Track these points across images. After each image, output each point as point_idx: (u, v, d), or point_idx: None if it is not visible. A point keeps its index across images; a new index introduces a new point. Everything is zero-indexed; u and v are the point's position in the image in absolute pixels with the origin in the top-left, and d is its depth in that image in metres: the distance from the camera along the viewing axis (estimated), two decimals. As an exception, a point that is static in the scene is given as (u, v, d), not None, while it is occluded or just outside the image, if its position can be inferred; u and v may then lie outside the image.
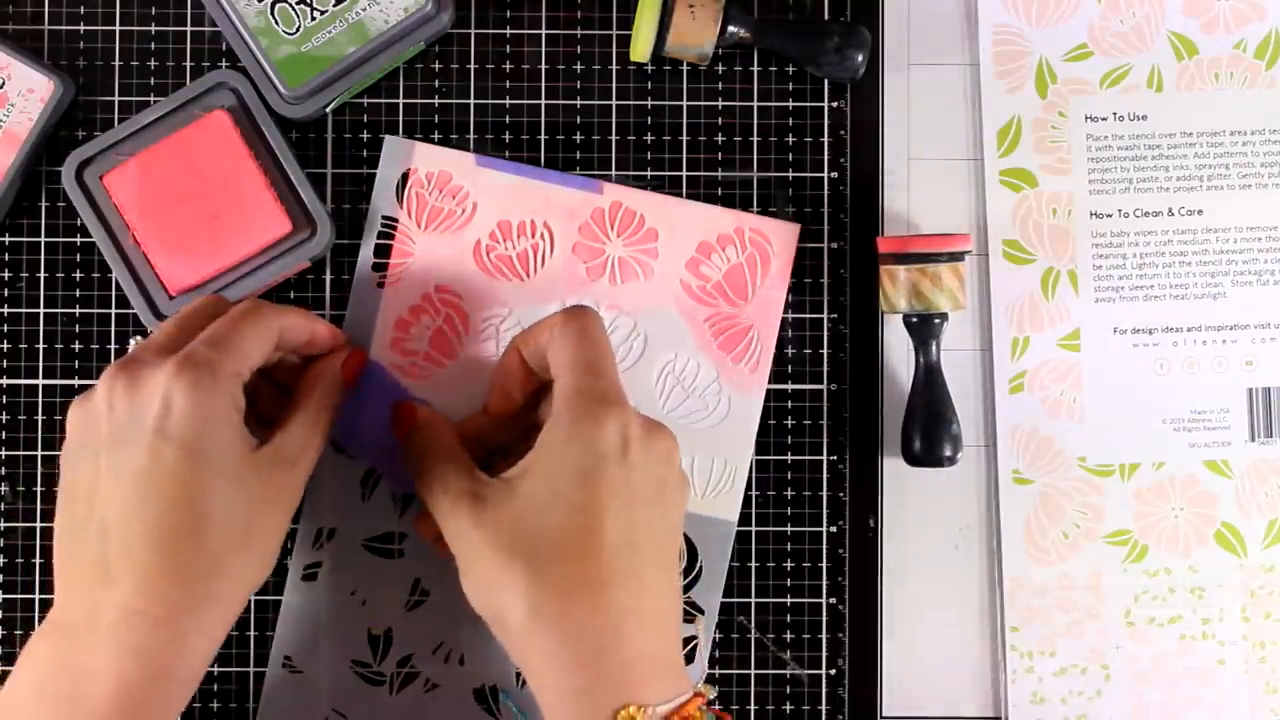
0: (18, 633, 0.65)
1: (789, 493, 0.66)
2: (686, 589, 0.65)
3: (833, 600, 0.66)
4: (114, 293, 0.65)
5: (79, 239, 0.65)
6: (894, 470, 0.66)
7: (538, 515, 0.53)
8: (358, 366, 0.62)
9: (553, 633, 0.52)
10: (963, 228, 0.66)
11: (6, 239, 0.65)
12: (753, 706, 0.66)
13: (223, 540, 0.53)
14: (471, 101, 0.66)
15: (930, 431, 0.63)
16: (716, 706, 0.56)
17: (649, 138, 0.66)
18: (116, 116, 0.65)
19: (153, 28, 0.66)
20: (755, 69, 0.67)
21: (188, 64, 0.66)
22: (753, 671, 0.66)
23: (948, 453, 0.63)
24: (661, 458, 0.55)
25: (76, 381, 0.65)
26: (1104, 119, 0.66)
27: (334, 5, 0.63)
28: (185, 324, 0.57)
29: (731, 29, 0.64)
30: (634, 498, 0.53)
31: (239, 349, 0.55)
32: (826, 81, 0.67)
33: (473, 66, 0.66)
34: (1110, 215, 0.66)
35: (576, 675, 0.52)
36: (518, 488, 0.54)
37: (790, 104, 0.67)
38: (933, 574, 0.66)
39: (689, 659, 0.65)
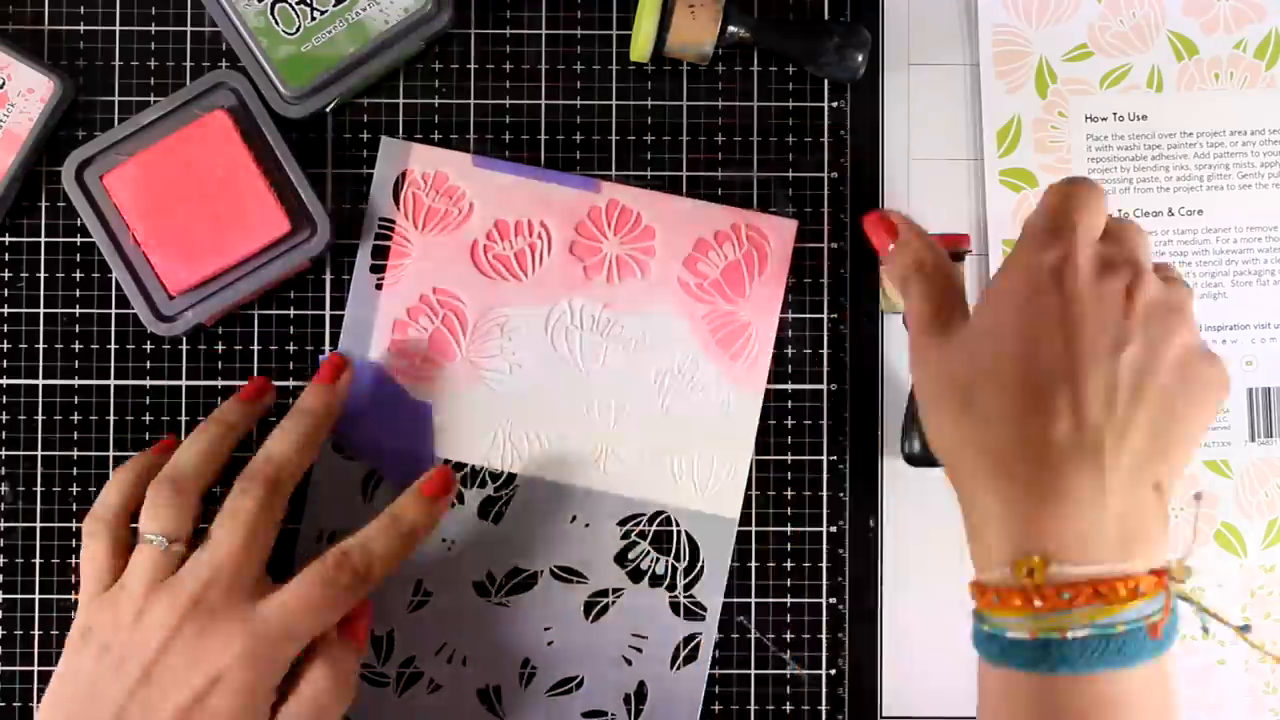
0: (17, 633, 0.65)
1: (789, 493, 0.66)
2: (687, 588, 0.65)
3: (833, 600, 0.66)
4: (114, 293, 0.65)
5: (79, 239, 0.65)
6: (894, 470, 0.66)
7: (980, 345, 0.51)
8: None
9: (992, 455, 0.49)
10: (963, 228, 0.66)
11: (6, 239, 0.65)
12: (753, 706, 0.66)
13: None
14: (471, 101, 0.66)
15: None
16: (1170, 592, 0.48)
17: (649, 137, 0.66)
18: (116, 116, 0.65)
19: (153, 28, 0.66)
20: (755, 69, 0.67)
21: (188, 64, 0.66)
22: (753, 671, 0.66)
23: None
24: (1112, 295, 0.49)
25: (76, 381, 0.65)
26: (1104, 119, 0.66)
27: (334, 5, 0.63)
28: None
29: (731, 29, 0.64)
30: (1072, 320, 0.49)
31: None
32: (826, 81, 0.66)
33: (472, 66, 0.66)
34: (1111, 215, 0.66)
35: (1001, 497, 0.48)
36: (979, 312, 0.52)
37: (790, 104, 0.67)
38: (933, 574, 0.66)
39: (692, 656, 0.65)
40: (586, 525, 0.66)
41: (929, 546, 0.66)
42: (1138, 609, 0.46)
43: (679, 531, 0.66)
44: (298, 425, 0.61)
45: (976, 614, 0.50)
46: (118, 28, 0.66)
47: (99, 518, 0.59)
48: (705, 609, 0.66)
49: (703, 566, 0.66)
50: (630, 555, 0.66)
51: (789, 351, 0.66)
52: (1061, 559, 0.47)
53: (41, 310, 0.65)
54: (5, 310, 0.65)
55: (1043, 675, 0.47)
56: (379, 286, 0.65)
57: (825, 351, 0.66)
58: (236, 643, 0.55)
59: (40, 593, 0.65)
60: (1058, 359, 0.49)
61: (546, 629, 0.65)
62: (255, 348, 0.65)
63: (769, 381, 0.66)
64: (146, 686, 0.55)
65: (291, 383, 0.65)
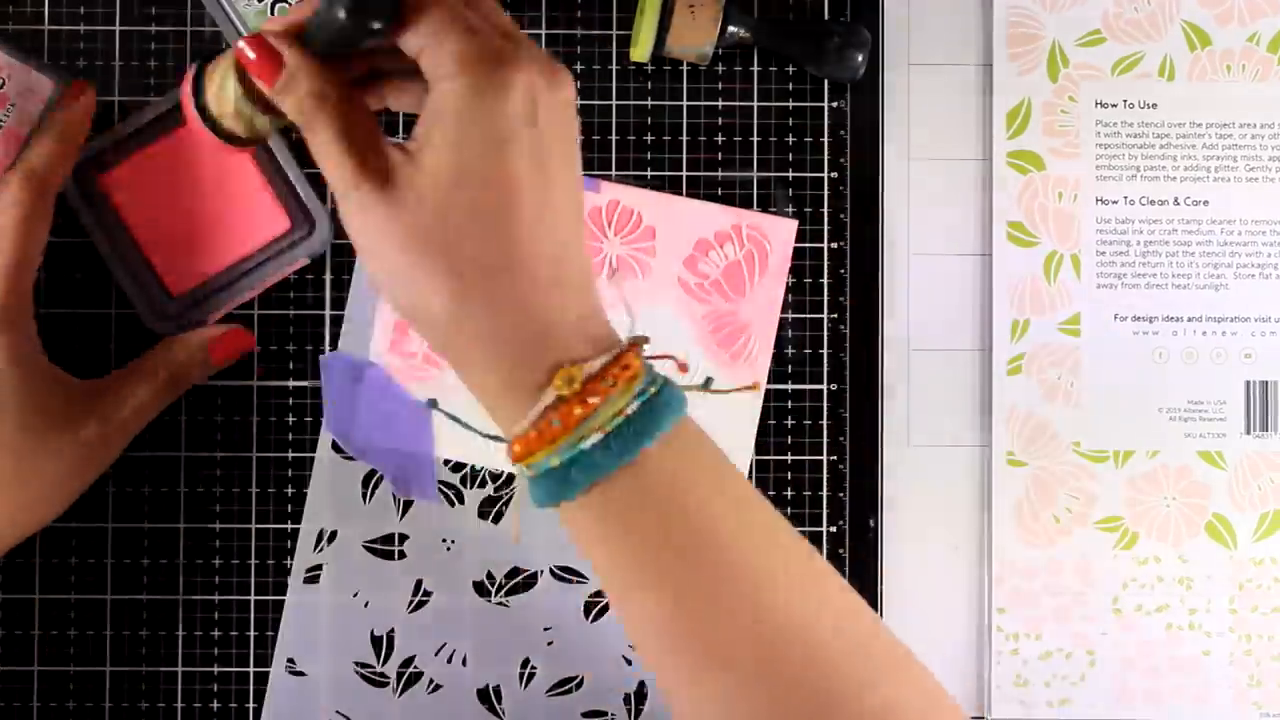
0: (17, 633, 0.65)
1: (789, 493, 0.66)
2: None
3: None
4: (114, 293, 0.65)
5: (79, 239, 0.65)
6: (894, 470, 0.66)
7: (447, 193, 0.47)
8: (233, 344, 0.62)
9: (479, 314, 0.48)
10: (966, 225, 0.66)
11: (6, 239, 0.65)
12: (753, 706, 0.66)
13: None
14: (471, 101, 0.66)
15: None
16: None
17: (649, 137, 0.66)
18: (116, 116, 0.65)
19: (153, 28, 0.66)
20: (755, 69, 0.67)
21: (188, 64, 0.66)
22: (753, 671, 0.66)
23: None
24: (564, 108, 0.49)
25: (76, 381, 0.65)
26: (1114, 105, 0.66)
27: (333, 5, 0.63)
28: None
29: (731, 29, 0.64)
30: (545, 160, 0.48)
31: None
32: (826, 81, 0.66)
33: (472, 66, 0.66)
34: (1116, 202, 0.66)
35: (508, 349, 0.48)
36: (422, 162, 0.48)
37: (790, 104, 0.67)
38: (933, 574, 0.66)
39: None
40: (586, 525, 0.65)
41: (929, 546, 0.66)
42: (648, 370, 0.49)
43: (679, 531, 0.66)
44: (55, 126, 0.60)
45: (533, 465, 0.49)
46: (118, 28, 0.66)
47: None
48: (705, 609, 0.66)
49: (703, 566, 0.66)
50: (630, 555, 0.66)
51: (789, 351, 0.66)
52: (585, 358, 0.48)
53: (42, 310, 0.65)
54: (5, 310, 0.65)
55: (629, 465, 0.48)
56: (379, 286, 0.65)
57: (825, 351, 0.66)
58: None
59: (40, 593, 0.65)
60: (535, 203, 0.48)
61: (546, 629, 0.65)
62: (255, 348, 0.65)
63: (769, 381, 0.66)
64: None
65: (292, 382, 0.65)
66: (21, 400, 0.57)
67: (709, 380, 0.55)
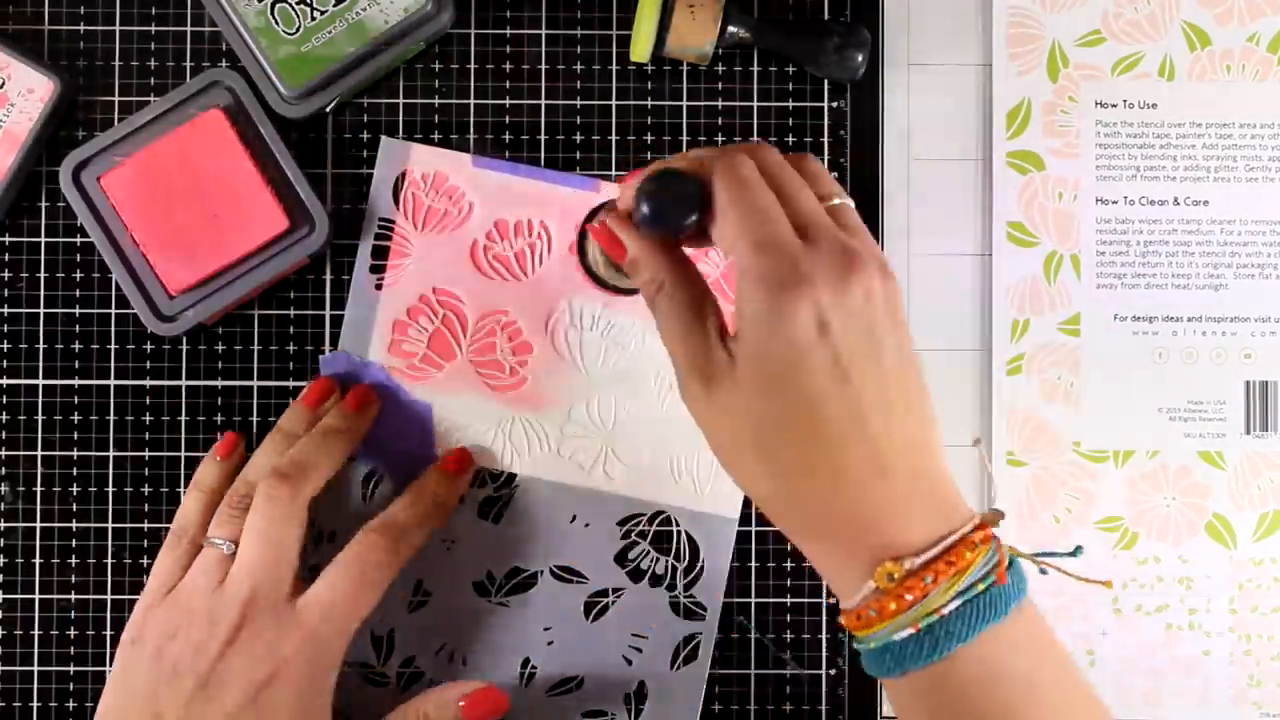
0: (17, 633, 0.65)
1: (789, 493, 0.66)
2: (687, 588, 0.66)
3: (833, 600, 0.66)
4: (114, 293, 0.65)
5: (79, 239, 0.65)
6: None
7: (759, 404, 0.50)
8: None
9: (798, 512, 0.51)
10: (965, 225, 0.66)
11: (6, 239, 0.65)
12: (753, 706, 0.66)
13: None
14: (471, 101, 0.66)
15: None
16: (999, 539, 0.51)
17: (649, 138, 0.66)
18: (116, 116, 0.65)
19: (152, 28, 0.66)
20: (755, 69, 0.67)
21: (187, 64, 0.66)
22: (753, 671, 0.66)
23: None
24: (861, 308, 0.50)
25: (76, 381, 0.65)
26: (1114, 105, 0.67)
27: (334, 5, 0.63)
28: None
29: (731, 29, 0.64)
30: (846, 370, 0.49)
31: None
32: (826, 81, 0.66)
33: (472, 66, 0.66)
34: (1116, 202, 0.66)
35: (830, 542, 0.51)
36: (737, 369, 0.50)
37: (790, 104, 0.67)
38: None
39: (692, 656, 0.65)
40: (586, 525, 0.66)
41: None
42: (983, 563, 0.49)
43: (679, 531, 0.66)
44: (326, 438, 0.62)
45: (858, 641, 0.51)
46: (118, 28, 0.66)
47: (182, 530, 0.61)
48: (705, 609, 0.66)
49: (703, 566, 0.66)
50: (630, 555, 0.66)
51: (789, 351, 0.66)
52: (909, 553, 0.49)
53: (41, 310, 0.65)
54: (5, 310, 0.65)
55: (939, 662, 0.49)
56: (379, 286, 0.65)
57: (825, 351, 0.66)
58: (286, 641, 0.57)
59: (40, 593, 0.65)
60: (841, 409, 0.49)
61: (546, 629, 0.65)
62: (255, 348, 0.66)
63: (769, 381, 0.66)
64: (204, 690, 0.57)
65: (291, 383, 0.65)
66: None
67: (1077, 549, 0.56)
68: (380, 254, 0.65)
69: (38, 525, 0.65)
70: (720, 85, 0.66)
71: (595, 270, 0.63)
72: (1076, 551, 0.55)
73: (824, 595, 0.66)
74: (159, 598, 0.60)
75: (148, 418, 0.65)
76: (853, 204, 0.53)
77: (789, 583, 0.66)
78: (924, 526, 0.50)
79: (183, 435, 0.65)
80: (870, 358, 0.50)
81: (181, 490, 0.65)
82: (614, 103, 0.66)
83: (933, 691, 0.50)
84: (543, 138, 0.66)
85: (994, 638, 0.49)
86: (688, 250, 0.54)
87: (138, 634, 0.59)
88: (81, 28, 0.66)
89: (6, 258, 0.65)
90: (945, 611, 0.49)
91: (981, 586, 0.49)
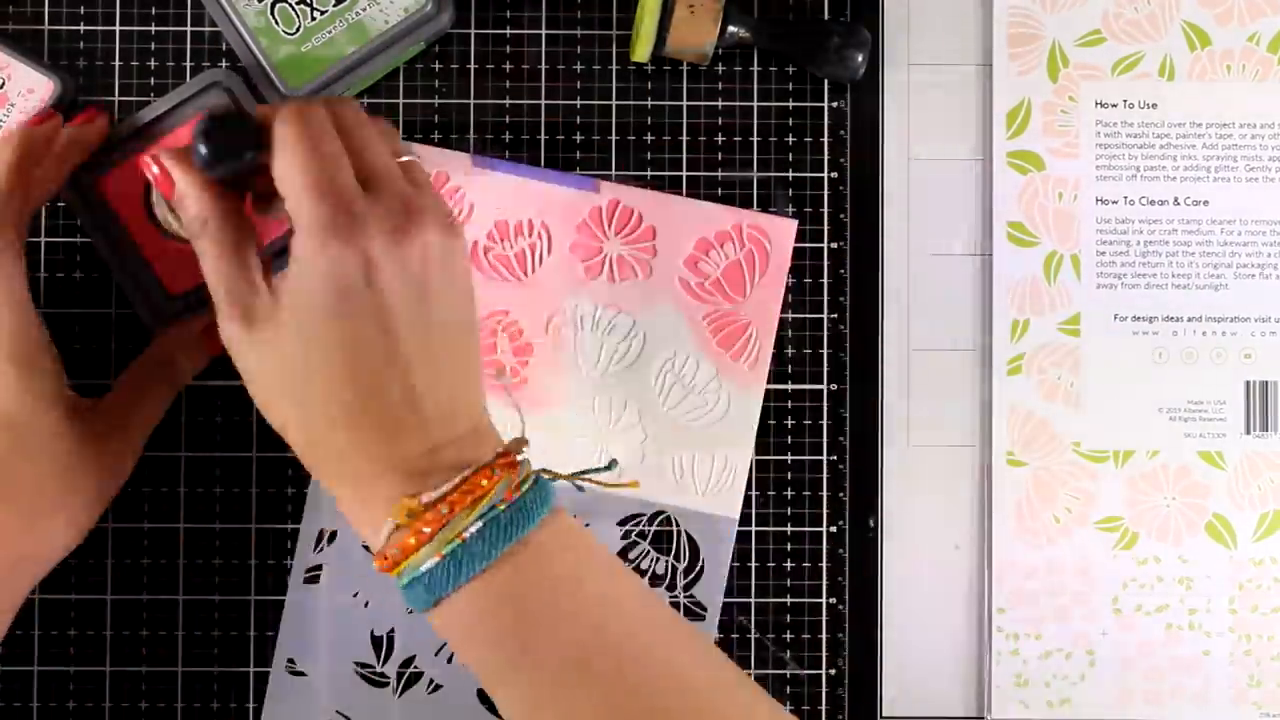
0: (17, 633, 0.65)
1: (789, 493, 0.66)
2: (687, 588, 0.66)
3: (833, 600, 0.66)
4: (114, 293, 0.65)
5: (79, 239, 0.65)
6: (893, 470, 0.66)
7: (298, 350, 0.51)
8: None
9: (330, 462, 0.52)
10: (965, 224, 0.66)
11: (6, 239, 0.65)
12: (753, 706, 0.66)
13: (31, 505, 0.56)
14: (471, 101, 0.66)
15: None
16: (526, 464, 0.53)
17: (649, 138, 0.66)
18: (116, 116, 0.65)
19: (153, 28, 0.66)
20: (755, 69, 0.67)
21: (188, 64, 0.66)
22: (753, 671, 0.66)
23: None
24: (416, 260, 0.51)
25: (76, 381, 0.65)
26: (1114, 105, 0.66)
27: (334, 5, 0.63)
28: None
29: (731, 29, 0.64)
30: (390, 321, 0.51)
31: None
32: (826, 81, 0.66)
33: (473, 66, 0.66)
34: (1116, 202, 0.66)
35: (361, 490, 0.52)
36: (279, 314, 0.51)
37: (790, 104, 0.67)
38: (933, 574, 0.66)
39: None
40: (586, 525, 0.66)
41: (929, 546, 0.66)
42: (503, 487, 0.51)
43: (679, 531, 0.66)
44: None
45: (396, 580, 0.52)
46: (118, 28, 0.66)
47: None
48: (705, 609, 0.66)
49: (703, 566, 0.66)
50: (630, 555, 0.66)
51: (789, 351, 0.66)
52: (426, 489, 0.51)
53: (42, 310, 0.65)
54: (5, 310, 0.65)
55: (470, 582, 0.50)
56: (379, 286, 0.65)
57: (825, 351, 0.66)
58: None
59: (40, 593, 0.65)
60: (378, 359, 0.51)
61: (546, 629, 0.65)
62: (255, 348, 0.65)
63: (769, 381, 0.66)
64: None
65: (291, 383, 0.65)
66: (54, 445, 0.57)
67: (612, 462, 0.59)
68: (380, 254, 0.65)
69: (38, 525, 0.65)
70: (720, 85, 0.66)
71: (155, 212, 0.60)
72: (611, 465, 0.59)
73: (824, 595, 0.66)
74: None
75: (148, 418, 0.65)
76: (422, 159, 0.55)
77: (789, 583, 0.66)
78: (450, 468, 0.51)
79: (182, 435, 0.65)
80: (418, 312, 0.51)
81: (182, 490, 0.65)
82: (614, 103, 0.66)
83: (473, 613, 0.51)
84: (543, 138, 0.66)
85: (523, 550, 0.51)
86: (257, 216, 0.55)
87: None
88: (81, 28, 0.66)
89: (6, 258, 0.65)
90: (466, 535, 0.50)
91: (502, 508, 0.51)
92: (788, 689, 0.66)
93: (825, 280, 0.66)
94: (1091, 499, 0.66)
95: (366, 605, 0.65)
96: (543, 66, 0.66)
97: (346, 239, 0.50)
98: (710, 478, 0.66)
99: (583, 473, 0.57)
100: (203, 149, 0.52)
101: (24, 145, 0.57)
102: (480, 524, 0.50)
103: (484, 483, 0.51)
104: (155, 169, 0.54)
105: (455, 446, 0.52)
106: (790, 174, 0.66)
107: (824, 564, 0.66)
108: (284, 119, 0.51)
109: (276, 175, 0.51)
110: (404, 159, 0.54)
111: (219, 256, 0.53)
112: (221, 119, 0.52)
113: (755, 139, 0.66)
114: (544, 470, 0.54)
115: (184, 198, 0.53)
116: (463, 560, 0.50)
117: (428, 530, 0.50)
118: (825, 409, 0.66)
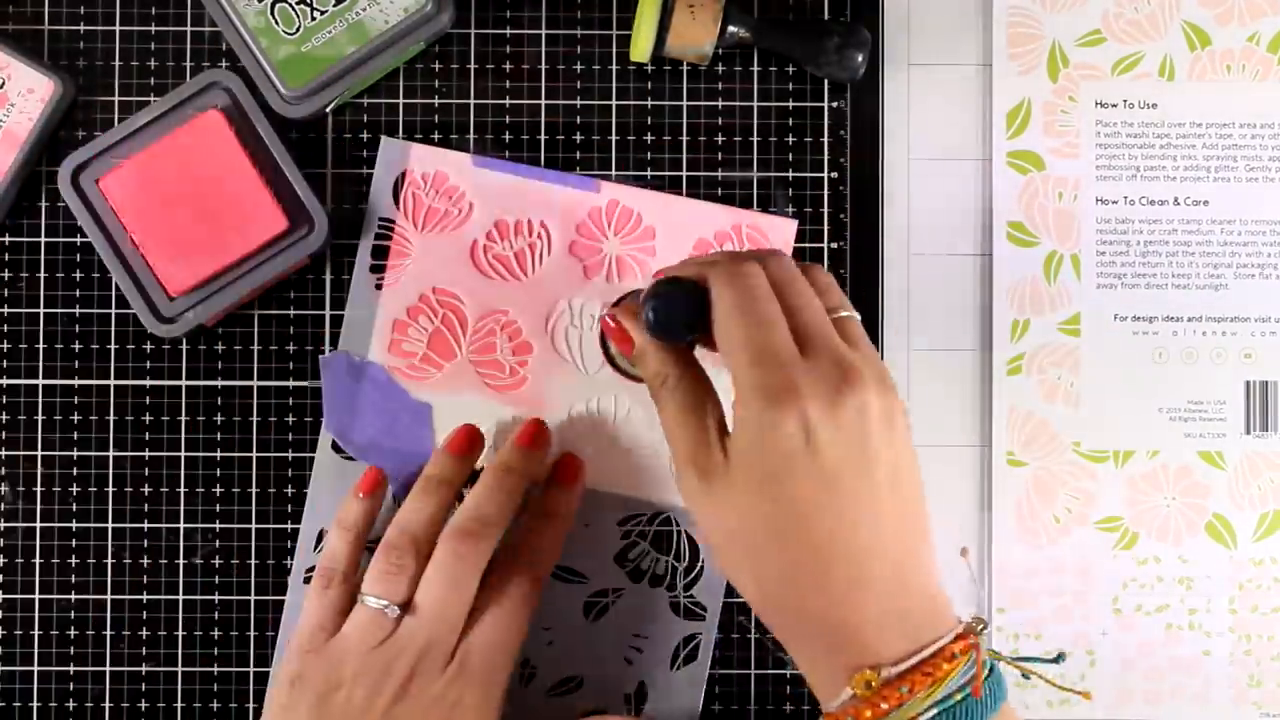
0: (17, 633, 0.65)
1: (789, 493, 0.66)
2: (687, 588, 0.66)
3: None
4: (114, 293, 0.65)
5: (79, 239, 0.65)
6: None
7: (750, 507, 0.51)
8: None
9: (783, 615, 0.53)
10: (965, 222, 0.66)
11: (6, 239, 0.65)
12: (753, 706, 0.66)
13: None
14: (471, 101, 0.66)
15: None
16: (982, 648, 0.51)
17: (649, 138, 0.66)
18: (116, 116, 0.65)
19: (153, 28, 0.66)
20: (755, 69, 0.66)
21: (188, 64, 0.66)
22: (753, 671, 0.66)
23: None
24: (853, 421, 0.51)
25: (76, 381, 0.65)
26: (1114, 105, 0.66)
27: (334, 5, 0.63)
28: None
29: (731, 29, 0.64)
30: (833, 480, 0.51)
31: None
32: (826, 81, 0.66)
33: (473, 66, 0.66)
34: (1116, 202, 0.66)
35: (812, 647, 0.52)
36: (732, 471, 0.52)
37: (790, 104, 0.67)
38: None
39: (692, 656, 0.65)
40: (586, 525, 0.66)
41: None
42: (962, 674, 0.50)
43: (679, 531, 0.66)
44: (503, 484, 0.62)
45: None
46: (118, 28, 0.66)
47: (331, 570, 0.61)
48: (705, 609, 0.66)
49: (703, 566, 0.66)
50: (630, 555, 0.66)
51: (789, 351, 0.66)
52: (888, 662, 0.50)
53: (41, 310, 0.65)
54: (5, 310, 0.65)
55: None
56: (379, 286, 0.65)
57: (825, 351, 0.66)
58: (453, 690, 0.58)
59: (40, 593, 0.65)
60: (827, 521, 0.51)
61: (546, 629, 0.65)
62: (255, 348, 0.66)
63: (769, 381, 0.66)
64: None
65: (292, 382, 0.65)
66: None
67: (1059, 657, 0.58)
68: (380, 254, 0.65)
69: (38, 525, 0.65)
70: (720, 85, 0.66)
71: (611, 357, 0.65)
72: (1059, 658, 0.57)
73: (824, 595, 0.66)
74: (316, 642, 0.59)
75: (148, 418, 0.65)
76: (859, 318, 0.55)
77: (789, 583, 0.66)
78: (905, 637, 0.51)
79: (183, 435, 0.65)
80: (860, 472, 0.51)
81: (182, 490, 0.65)
82: (614, 103, 0.66)
83: None
84: (543, 138, 0.66)
85: None
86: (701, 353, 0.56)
87: (298, 675, 0.59)
88: (81, 28, 0.66)
89: (6, 258, 0.65)
90: None
91: (959, 697, 0.50)
92: (788, 689, 0.66)
93: (825, 280, 0.66)
94: (1091, 499, 0.66)
95: (366, 605, 0.65)
96: (543, 66, 0.66)
97: (784, 403, 0.50)
98: (710, 478, 0.66)
99: (1029, 660, 0.56)
100: (650, 319, 0.54)
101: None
102: (934, 711, 0.50)
103: (945, 665, 0.50)
104: (614, 325, 0.57)
105: (909, 616, 0.51)
106: (790, 174, 0.66)
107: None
108: (720, 284, 0.53)
109: (717, 337, 0.53)
110: (840, 315, 0.54)
111: (678, 414, 0.54)
112: (669, 288, 0.54)
113: (755, 139, 0.66)
114: (991, 652, 0.53)
115: (643, 356, 0.56)
116: None
117: (885, 707, 0.49)
118: (825, 409, 0.66)
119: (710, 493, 0.52)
